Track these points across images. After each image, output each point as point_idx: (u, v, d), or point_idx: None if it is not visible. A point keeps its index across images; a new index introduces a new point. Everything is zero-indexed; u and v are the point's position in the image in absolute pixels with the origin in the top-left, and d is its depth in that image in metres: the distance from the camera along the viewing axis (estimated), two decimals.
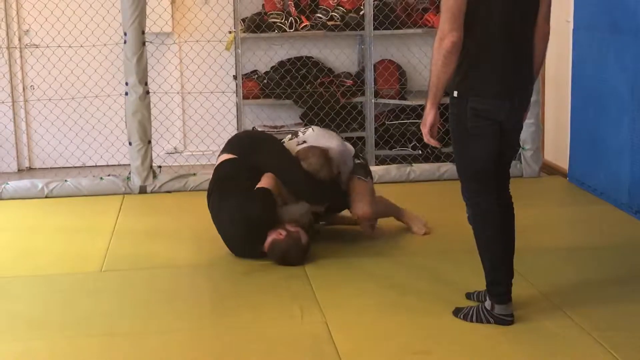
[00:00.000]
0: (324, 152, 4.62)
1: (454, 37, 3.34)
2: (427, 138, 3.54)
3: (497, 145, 3.53)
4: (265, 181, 4.50)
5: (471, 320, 3.65)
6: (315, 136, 4.78)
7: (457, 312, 3.72)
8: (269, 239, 4.40)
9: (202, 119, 7.00)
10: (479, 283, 3.99)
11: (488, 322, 3.62)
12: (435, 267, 4.36)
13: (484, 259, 3.63)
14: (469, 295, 3.92)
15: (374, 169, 5.23)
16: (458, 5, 3.35)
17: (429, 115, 3.47)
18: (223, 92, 7.01)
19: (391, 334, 3.58)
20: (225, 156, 4.73)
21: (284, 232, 4.39)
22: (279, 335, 3.60)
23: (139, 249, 4.80)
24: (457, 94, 3.50)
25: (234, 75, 6.93)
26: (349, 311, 3.84)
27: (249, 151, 4.67)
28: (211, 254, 4.64)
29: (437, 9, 6.85)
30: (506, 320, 3.62)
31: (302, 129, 4.92)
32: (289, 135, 4.90)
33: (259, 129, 6.82)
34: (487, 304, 3.64)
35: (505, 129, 3.54)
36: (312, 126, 5.03)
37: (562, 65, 6.23)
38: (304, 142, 4.73)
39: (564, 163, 6.24)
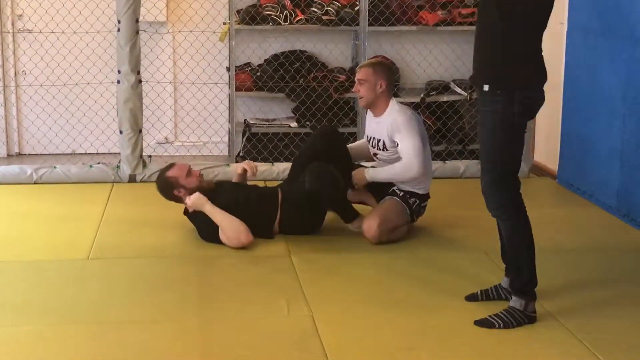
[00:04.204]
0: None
1: None
2: None
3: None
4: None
5: (512, 327, 3.58)
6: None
7: (488, 323, 3.60)
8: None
9: (193, 109, 6.99)
10: (466, 283, 4.02)
11: (524, 323, 3.60)
12: (425, 265, 4.37)
13: (525, 259, 3.62)
14: (474, 297, 3.87)
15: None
16: None
17: None
18: (215, 84, 7.00)
19: (377, 330, 3.59)
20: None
21: (182, 166, 4.78)
22: (265, 328, 3.60)
23: (126, 237, 4.80)
24: (502, 88, 3.50)
25: (227, 67, 6.91)
26: (336, 306, 3.84)
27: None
28: (198, 245, 4.64)
29: (432, 7, 6.86)
30: (534, 317, 3.64)
31: None
32: None
33: (251, 122, 6.82)
34: (519, 303, 3.62)
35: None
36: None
37: (555, 67, 6.22)
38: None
39: (553, 165, 6.26)
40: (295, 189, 4.74)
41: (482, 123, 3.62)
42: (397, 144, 4.67)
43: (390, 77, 4.79)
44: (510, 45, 3.49)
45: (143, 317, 3.73)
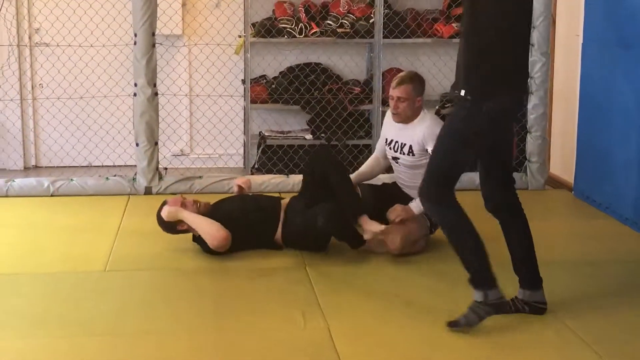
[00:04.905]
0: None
1: None
2: None
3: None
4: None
5: (475, 323, 3.60)
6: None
7: (455, 322, 3.64)
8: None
9: (209, 122, 7.02)
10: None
11: (489, 314, 3.60)
12: (441, 276, 4.36)
13: (466, 250, 3.64)
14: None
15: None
16: None
17: None
18: (231, 96, 7.03)
19: (392, 341, 3.59)
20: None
21: (175, 200, 4.73)
22: (280, 340, 3.60)
23: (142, 249, 4.81)
24: (471, 96, 3.49)
25: (242, 80, 6.95)
26: (351, 318, 3.84)
27: None
28: (214, 258, 4.64)
29: (446, 19, 6.87)
30: (500, 302, 3.62)
31: None
32: None
33: (267, 134, 6.84)
34: (479, 295, 3.60)
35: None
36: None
37: (570, 78, 6.23)
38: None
39: (569, 176, 6.24)
40: (302, 216, 4.68)
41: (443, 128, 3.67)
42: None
43: (423, 90, 4.78)
44: (483, 58, 3.48)
45: (159, 328, 3.74)
